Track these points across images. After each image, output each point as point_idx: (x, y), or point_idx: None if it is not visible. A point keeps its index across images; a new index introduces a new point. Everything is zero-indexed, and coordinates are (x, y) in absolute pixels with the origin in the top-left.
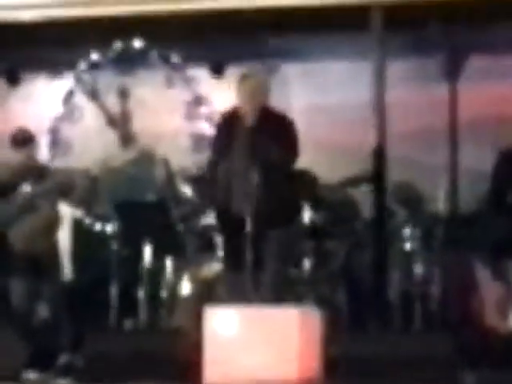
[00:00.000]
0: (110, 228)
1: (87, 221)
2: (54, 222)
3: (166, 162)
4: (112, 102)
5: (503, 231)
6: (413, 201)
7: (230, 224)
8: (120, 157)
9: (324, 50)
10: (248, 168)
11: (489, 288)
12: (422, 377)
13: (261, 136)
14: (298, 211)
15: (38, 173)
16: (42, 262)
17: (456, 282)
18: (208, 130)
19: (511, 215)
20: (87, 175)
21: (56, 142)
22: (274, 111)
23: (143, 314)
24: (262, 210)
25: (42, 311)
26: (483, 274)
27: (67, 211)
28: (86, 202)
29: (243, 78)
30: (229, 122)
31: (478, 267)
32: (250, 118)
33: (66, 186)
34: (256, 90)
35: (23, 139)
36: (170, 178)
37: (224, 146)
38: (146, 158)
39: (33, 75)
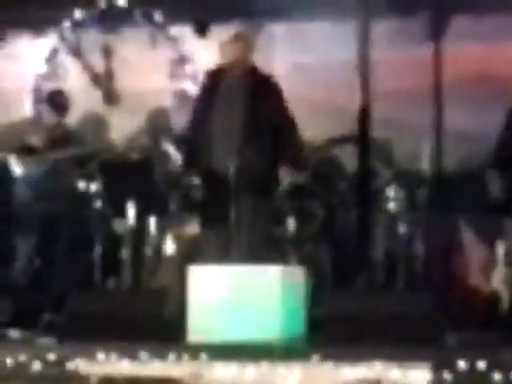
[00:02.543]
0: (93, 187)
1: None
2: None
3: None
4: (96, 60)
5: (487, 191)
6: (396, 160)
7: (212, 182)
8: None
9: (308, 9)
10: (232, 126)
11: (472, 248)
12: (405, 336)
13: (247, 93)
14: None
15: (64, 137)
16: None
17: (440, 243)
18: (192, 89)
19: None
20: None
21: (40, 100)
22: (260, 71)
23: (126, 273)
24: (245, 169)
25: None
26: (467, 235)
27: None
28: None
29: (228, 37)
30: (213, 80)
31: (461, 228)
32: (235, 75)
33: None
34: (241, 49)
35: (58, 100)
36: (155, 135)
37: (208, 104)
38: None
39: (16, 33)
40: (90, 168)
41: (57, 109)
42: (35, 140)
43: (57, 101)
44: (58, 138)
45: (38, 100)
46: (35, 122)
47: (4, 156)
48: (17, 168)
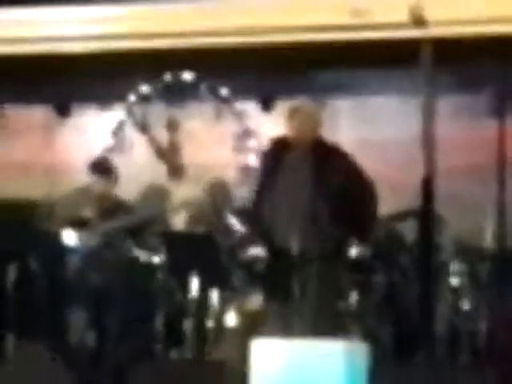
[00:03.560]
0: (157, 259)
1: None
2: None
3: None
4: (161, 134)
5: None
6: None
7: (276, 256)
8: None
9: (373, 85)
10: (296, 200)
11: None
12: None
13: (312, 166)
14: (345, 245)
15: (114, 208)
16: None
17: (502, 318)
18: (256, 162)
19: None
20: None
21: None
22: (326, 143)
23: (189, 345)
24: (308, 244)
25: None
26: None
27: None
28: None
29: (295, 109)
30: (278, 153)
31: None
32: (301, 149)
33: (139, 227)
34: (308, 122)
35: (101, 165)
36: (218, 209)
37: (272, 176)
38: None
39: (83, 107)
40: (150, 240)
41: (102, 176)
42: (87, 211)
43: (101, 168)
44: (109, 208)
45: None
46: (86, 192)
47: (59, 229)
48: (70, 240)
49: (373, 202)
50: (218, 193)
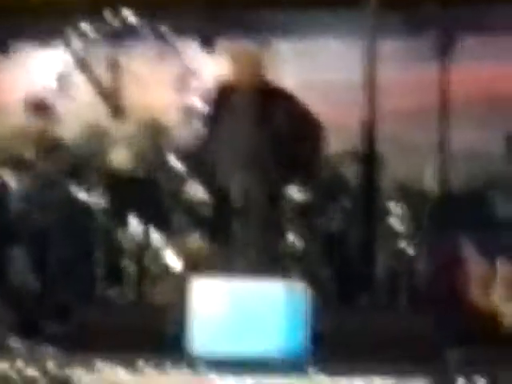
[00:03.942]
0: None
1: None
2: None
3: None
4: (102, 74)
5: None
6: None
7: (218, 198)
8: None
9: (316, 27)
10: (240, 142)
11: (474, 265)
12: (405, 353)
13: (257, 108)
14: (289, 188)
15: (53, 147)
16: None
17: (441, 259)
18: (198, 103)
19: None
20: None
21: None
22: (271, 84)
23: (130, 286)
24: (251, 185)
25: (31, 280)
26: (469, 252)
27: None
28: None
29: (238, 52)
30: (223, 95)
31: (463, 245)
32: (245, 91)
33: (78, 165)
34: (251, 63)
35: (39, 105)
36: (160, 150)
37: (217, 119)
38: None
39: (23, 44)
40: (91, 180)
41: (39, 114)
42: (25, 151)
43: (38, 106)
44: (48, 147)
45: None
46: (24, 131)
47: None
48: (11, 181)
49: (319, 143)
50: (157, 132)
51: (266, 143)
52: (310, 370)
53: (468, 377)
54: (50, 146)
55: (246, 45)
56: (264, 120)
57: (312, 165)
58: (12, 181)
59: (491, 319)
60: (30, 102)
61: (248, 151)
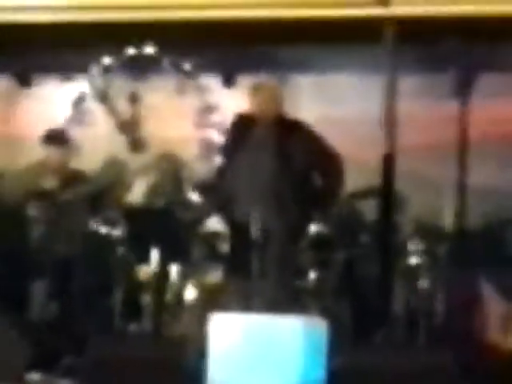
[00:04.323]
0: (116, 232)
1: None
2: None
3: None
4: (123, 106)
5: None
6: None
7: (235, 231)
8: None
9: (336, 63)
10: (258, 175)
11: (492, 304)
12: None
13: (275, 142)
14: (306, 222)
15: (71, 177)
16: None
17: (460, 298)
18: (217, 137)
19: None
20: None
21: None
22: (289, 118)
23: (148, 319)
24: (269, 220)
25: (50, 313)
26: (487, 291)
27: None
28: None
29: (257, 86)
30: (240, 128)
31: (482, 283)
32: (264, 125)
33: (97, 197)
34: (271, 98)
35: (56, 136)
36: (179, 184)
37: (234, 152)
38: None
39: (45, 78)
40: (111, 212)
41: (58, 146)
42: (45, 183)
43: (57, 138)
44: (67, 179)
45: None
46: (44, 164)
47: (21, 200)
48: (32, 212)
49: (338, 178)
50: (175, 165)
51: (284, 177)
52: None
53: None
54: (71, 178)
55: (266, 79)
56: (283, 154)
57: (331, 199)
58: (33, 212)
59: (511, 359)
60: (49, 134)
61: (267, 185)
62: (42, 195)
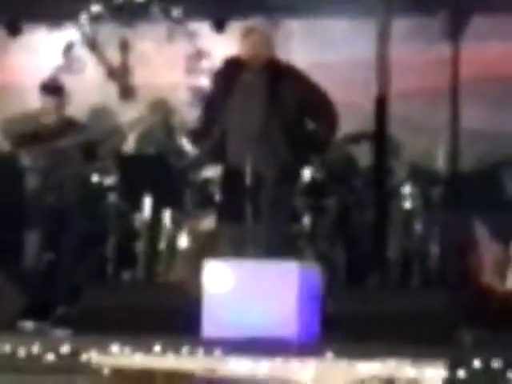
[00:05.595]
0: (109, 180)
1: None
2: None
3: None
4: (113, 54)
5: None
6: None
7: (229, 177)
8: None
9: (327, 6)
10: (250, 119)
11: (487, 247)
12: (419, 334)
13: (266, 85)
14: (299, 167)
15: (65, 125)
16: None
17: (454, 241)
18: (208, 84)
19: None
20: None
21: None
22: (280, 62)
23: (141, 267)
24: (262, 164)
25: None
26: (481, 234)
27: None
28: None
29: (248, 30)
30: (231, 73)
31: (476, 226)
32: (255, 69)
33: (90, 145)
34: (262, 42)
35: (52, 86)
36: (170, 131)
37: (225, 96)
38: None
39: (33, 26)
40: (105, 161)
41: (53, 95)
42: (40, 130)
43: (52, 87)
44: (63, 127)
45: None
46: (38, 112)
47: (14, 148)
48: (25, 161)
49: (332, 125)
50: (166, 112)
51: (276, 121)
52: (323, 351)
53: (483, 359)
54: (66, 126)
55: (256, 23)
56: (274, 98)
57: (324, 145)
58: (26, 162)
59: (506, 301)
60: (44, 83)
61: (258, 130)
62: (36, 143)
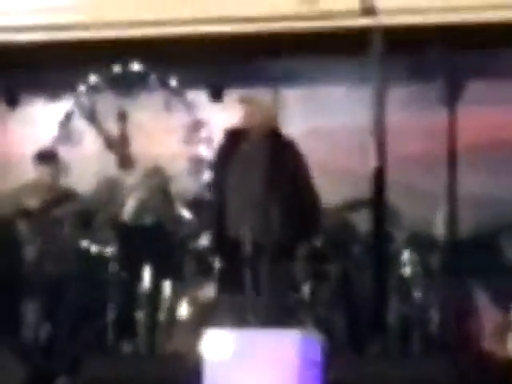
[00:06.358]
0: (108, 250)
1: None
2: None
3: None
4: (111, 125)
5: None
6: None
7: (228, 247)
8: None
9: (324, 74)
10: (249, 189)
11: (487, 313)
12: None
13: (266, 157)
14: (298, 237)
15: (61, 195)
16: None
17: (454, 308)
18: (206, 153)
19: None
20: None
21: None
22: (281, 135)
23: (141, 337)
24: (261, 234)
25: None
26: (481, 300)
27: None
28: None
29: (245, 98)
30: (232, 143)
31: (476, 292)
32: (255, 140)
33: (87, 215)
34: (262, 111)
35: (46, 155)
36: (169, 200)
37: (225, 166)
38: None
39: (31, 97)
40: (103, 231)
41: (48, 165)
42: (33, 202)
43: (47, 157)
44: (59, 197)
45: None
46: (34, 183)
47: (11, 220)
48: (23, 231)
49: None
50: (164, 182)
51: (275, 191)
52: None
53: None
54: (61, 197)
55: (255, 93)
56: (273, 168)
57: (318, 214)
58: (24, 232)
59: (506, 367)
60: (39, 153)
61: (257, 200)
62: (33, 214)
